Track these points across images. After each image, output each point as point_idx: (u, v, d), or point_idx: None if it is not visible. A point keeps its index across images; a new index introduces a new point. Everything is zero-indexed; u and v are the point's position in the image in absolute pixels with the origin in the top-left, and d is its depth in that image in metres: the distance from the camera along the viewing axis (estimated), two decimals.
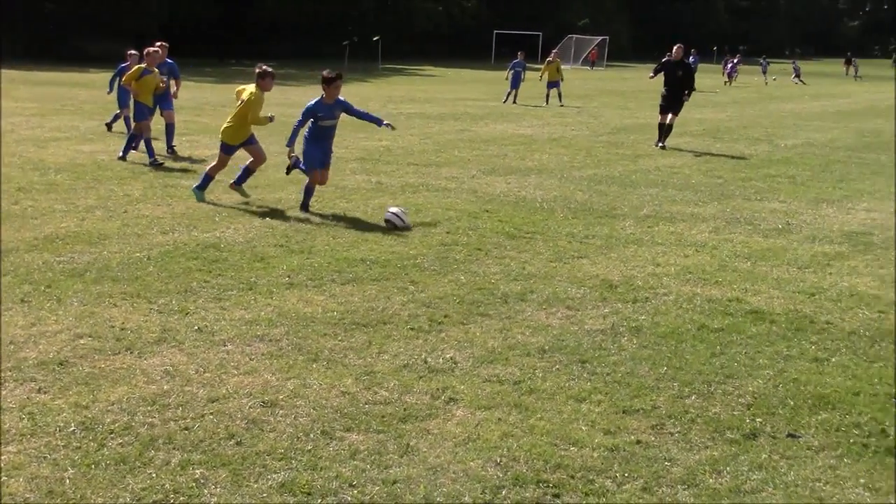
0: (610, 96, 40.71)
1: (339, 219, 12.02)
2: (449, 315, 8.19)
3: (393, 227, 11.41)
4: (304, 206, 12.41)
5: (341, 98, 12.36)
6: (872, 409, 6.43)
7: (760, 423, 6.13)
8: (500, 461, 5.43)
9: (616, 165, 18.16)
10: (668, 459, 5.54)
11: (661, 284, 9.47)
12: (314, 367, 6.84)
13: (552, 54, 35.47)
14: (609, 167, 17.83)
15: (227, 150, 12.93)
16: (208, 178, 13.00)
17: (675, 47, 21.80)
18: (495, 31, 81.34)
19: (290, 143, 12.22)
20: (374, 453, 5.48)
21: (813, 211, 13.96)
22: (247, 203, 12.77)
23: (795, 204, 14.51)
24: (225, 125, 13.03)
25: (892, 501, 5.18)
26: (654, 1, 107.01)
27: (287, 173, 13.32)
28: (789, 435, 5.96)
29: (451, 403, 6.26)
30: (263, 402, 6.15)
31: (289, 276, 9.23)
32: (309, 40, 70.48)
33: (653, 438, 5.83)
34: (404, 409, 6.12)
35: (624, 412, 6.21)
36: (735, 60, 66.01)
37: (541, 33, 79.40)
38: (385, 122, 12.78)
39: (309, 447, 5.53)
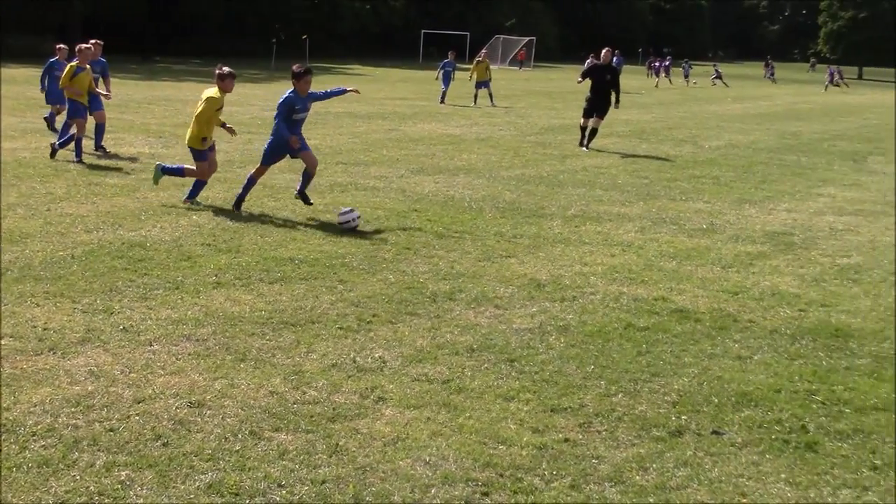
0: (537, 97, 40.96)
1: (267, 218, 11.94)
2: (378, 314, 8.18)
3: (352, 228, 11.33)
4: (239, 202, 12.33)
5: (310, 91, 12.32)
6: (793, 405, 6.56)
7: (686, 420, 6.23)
8: (429, 460, 5.44)
9: (544, 165, 18.28)
10: (596, 457, 5.60)
11: (588, 284, 9.56)
12: (242, 367, 6.79)
13: (481, 54, 35.49)
14: (537, 167, 17.95)
15: (199, 156, 12.49)
16: (199, 185, 12.64)
17: (603, 51, 22.00)
18: (423, 31, 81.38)
19: (288, 133, 11.98)
20: (302, 453, 5.45)
21: (736, 211, 14.20)
22: (173, 202, 12.60)
23: (719, 204, 14.74)
24: (189, 133, 12.54)
25: (812, 496, 5.29)
26: (579, 2, 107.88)
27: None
28: (714, 432, 6.06)
29: (380, 403, 6.26)
30: (190, 403, 6.09)
31: (216, 276, 9.15)
32: (236, 38, 69.80)
33: (580, 436, 5.88)
34: (333, 409, 6.10)
35: (552, 411, 6.25)
36: (666, 62, 67.08)
37: (468, 33, 79.61)
38: (350, 89, 12.94)
39: (237, 447, 5.49)
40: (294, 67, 12.27)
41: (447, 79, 34.16)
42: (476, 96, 33.71)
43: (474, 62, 35.38)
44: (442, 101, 33.35)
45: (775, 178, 18.23)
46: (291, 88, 12.17)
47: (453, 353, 7.29)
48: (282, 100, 12.14)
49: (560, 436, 5.86)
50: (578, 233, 12.03)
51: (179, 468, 5.21)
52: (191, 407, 6.03)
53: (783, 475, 5.51)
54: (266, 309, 8.18)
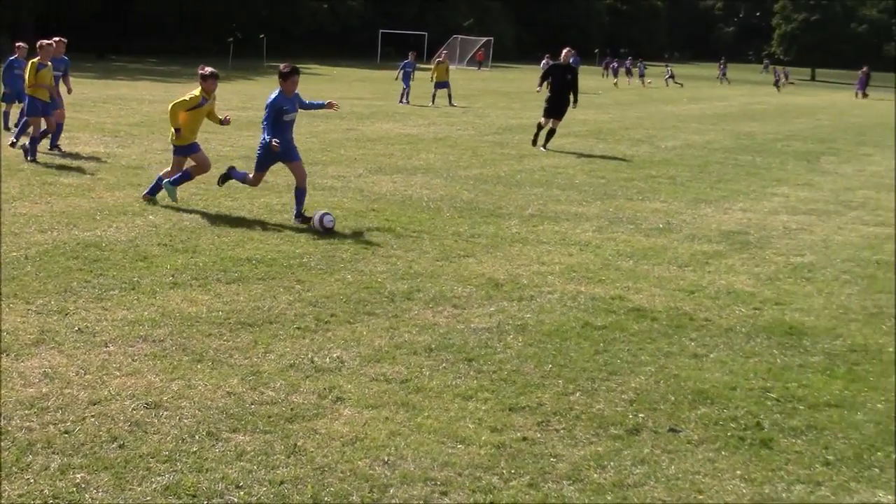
0: (495, 96, 41.04)
1: (224, 217, 11.87)
2: (335, 314, 8.17)
3: (326, 230, 11.23)
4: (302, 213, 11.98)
5: (297, 91, 12.14)
6: (748, 402, 6.63)
7: (643, 418, 6.27)
8: (388, 460, 5.44)
9: (501, 165, 18.33)
10: (554, 455, 5.63)
11: (545, 283, 9.60)
12: (199, 368, 6.75)
13: (442, 55, 35.61)
14: (494, 167, 17.98)
15: (177, 151, 12.45)
16: (186, 177, 12.51)
17: (563, 51, 22.07)
18: (381, 31, 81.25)
19: (271, 135, 11.72)
20: (260, 454, 5.43)
21: (692, 211, 14.31)
22: (129, 202, 12.50)
23: (675, 204, 14.85)
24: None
25: (767, 492, 5.35)
26: (537, 3, 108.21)
27: (220, 183, 12.96)
28: (670, 429, 6.11)
29: (339, 403, 6.25)
30: (147, 404, 6.04)
31: (173, 276, 9.08)
32: (192, 37, 69.33)
33: (538, 435, 5.91)
34: (291, 409, 6.08)
35: (510, 410, 6.27)
36: (627, 63, 67.68)
37: (426, 33, 79.59)
38: (327, 102, 12.79)
39: (194, 449, 5.46)
40: (281, 67, 11.98)
41: (407, 79, 34.18)
42: (434, 96, 33.72)
43: (435, 63, 35.49)
44: (401, 101, 33.35)
45: (730, 177, 18.39)
46: (278, 89, 11.87)
47: (411, 353, 7.30)
48: (269, 101, 11.80)
49: (518, 434, 5.88)
50: (536, 232, 12.08)
51: (136, 470, 5.17)
52: (147, 408, 5.98)
53: (738, 472, 5.57)
54: (223, 309, 8.13)
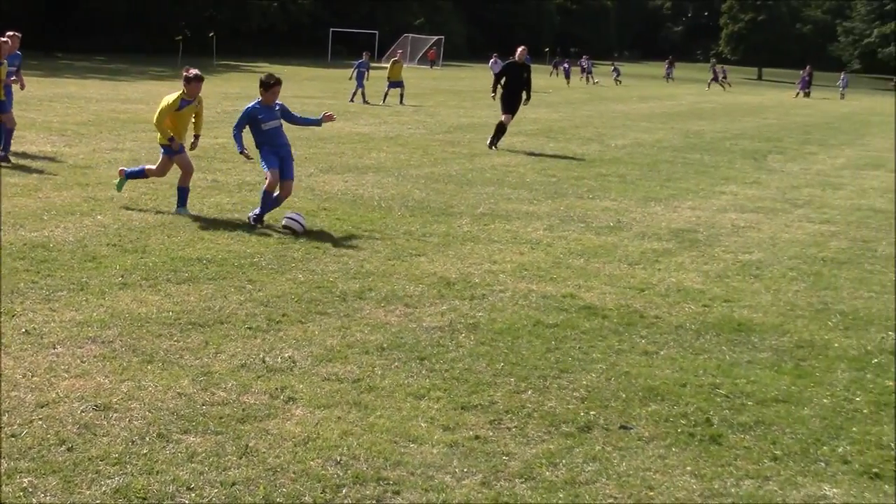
0: (446, 95, 41.07)
1: (174, 217, 11.77)
2: (287, 314, 8.14)
3: (292, 231, 11.15)
4: (258, 219, 11.60)
5: (280, 102, 11.99)
6: (698, 399, 6.70)
7: (594, 415, 6.31)
8: (340, 460, 5.43)
9: (453, 164, 18.35)
10: (506, 454, 5.65)
11: (497, 281, 9.63)
12: (149, 369, 6.69)
13: (398, 54, 35.80)
14: (446, 166, 18.00)
15: (166, 150, 12.26)
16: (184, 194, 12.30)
17: (519, 49, 22.15)
18: (331, 30, 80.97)
19: (240, 147, 11.68)
20: (212, 455, 5.40)
21: (642, 209, 14.43)
22: (77, 202, 12.35)
23: (626, 202, 14.96)
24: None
25: (716, 487, 5.41)
26: (488, 2, 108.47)
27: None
28: (621, 426, 6.16)
29: (291, 403, 6.23)
30: (96, 406, 5.98)
31: (122, 276, 8.99)
32: (140, 35, 68.63)
33: (491, 433, 5.93)
34: (242, 410, 6.05)
35: (462, 408, 6.29)
36: (583, 62, 68.25)
37: (377, 32, 79.46)
38: (322, 117, 12.42)
39: (144, 451, 5.41)
40: (263, 77, 11.88)
41: (361, 78, 34.16)
42: (386, 95, 33.68)
43: (391, 62, 35.60)
44: (351, 100, 33.29)
45: (680, 176, 18.57)
46: (257, 98, 11.81)
47: (363, 352, 7.29)
48: (244, 108, 11.79)
49: (471, 433, 5.90)
50: (487, 231, 12.11)
51: (85, 473, 5.11)
52: (96, 410, 5.92)
53: (689, 468, 5.62)
54: (173, 310, 8.07)
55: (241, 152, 11.72)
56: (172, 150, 12.07)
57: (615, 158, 20.90)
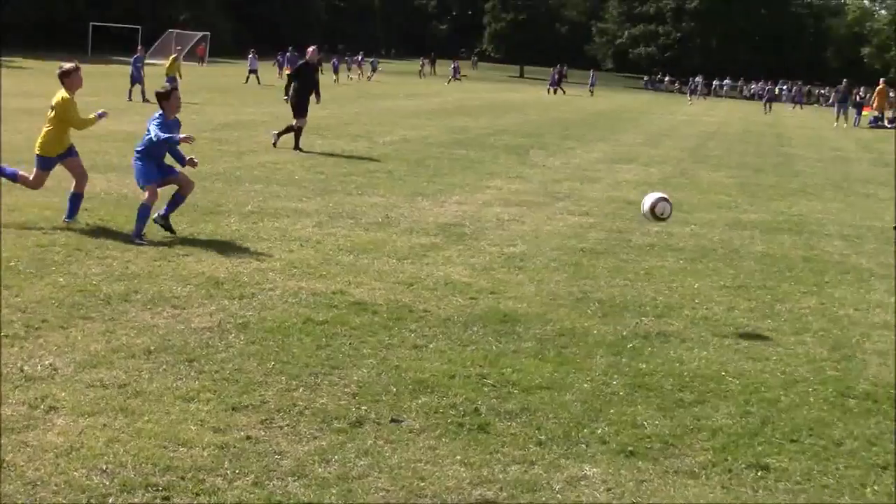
0: (212, 92, 40.29)
1: None
2: (47, 319, 7.81)
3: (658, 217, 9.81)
4: (138, 233, 10.94)
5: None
6: (466, 389, 6.87)
7: (365, 410, 6.38)
8: (107, 468, 5.27)
9: (220, 162, 18.05)
10: (278, 452, 5.63)
11: (266, 280, 9.56)
12: None
13: (176, 51, 35.76)
14: (213, 164, 17.67)
15: (44, 164, 11.56)
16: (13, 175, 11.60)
17: (309, 50, 22.02)
18: (91, 24, 77.88)
19: (175, 139, 11.17)
20: None
21: (410, 204, 14.64)
22: None
23: (394, 198, 15.14)
24: (41, 138, 11.56)
25: (485, 474, 5.57)
26: None
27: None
28: (392, 420, 6.25)
29: (52, 412, 5.99)
30: None
31: None
32: None
33: (262, 433, 5.90)
34: None
35: (233, 409, 6.22)
36: (358, 58, 68.74)
37: (140, 27, 76.95)
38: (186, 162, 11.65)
39: None
40: (157, 91, 11.37)
41: (139, 73, 33.39)
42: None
43: (170, 58, 35.49)
44: (129, 98, 32.49)
45: (446, 171, 18.95)
46: (159, 111, 11.25)
47: (129, 356, 7.09)
48: (157, 122, 11.13)
49: (242, 434, 5.85)
50: (256, 229, 11.99)
51: None
52: None
53: (458, 457, 5.76)
54: None
55: (180, 140, 11.22)
56: (50, 161, 11.53)
57: (383, 154, 21.10)
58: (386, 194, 15.48)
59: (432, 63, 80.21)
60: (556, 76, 68.44)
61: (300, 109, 21.25)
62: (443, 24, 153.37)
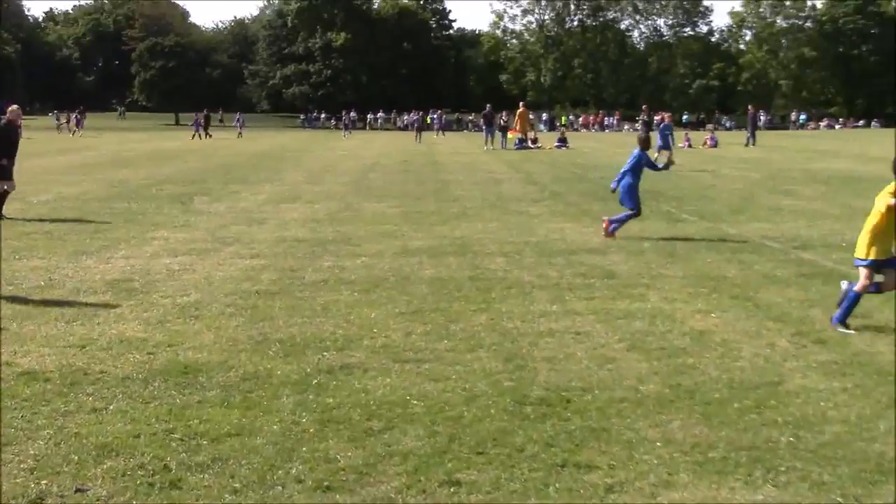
0: None
1: None
2: None
3: None
4: None
5: None
6: (153, 447, 6.67)
7: (46, 484, 6.04)
8: None
9: None
10: None
11: None
12: None
13: None
14: None
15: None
16: None
17: (12, 107, 20.58)
18: None
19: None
20: None
21: (74, 264, 14.01)
22: None
23: (55, 259, 14.44)
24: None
25: None
26: None
27: None
28: (77, 490, 5.97)
29: None
30: None
31: None
32: None
33: None
34: None
35: None
36: None
37: None
38: None
39: None
40: None
41: None
42: None
43: None
44: None
45: (109, 226, 18.30)
46: None
47: None
48: None
49: None
50: None
51: None
52: None
53: None
54: None
55: None
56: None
57: (40, 214, 20.09)
58: (46, 256, 14.73)
59: (81, 115, 77.10)
60: (203, 120, 69.24)
61: (4, 172, 19.67)
62: (89, 75, 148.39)
